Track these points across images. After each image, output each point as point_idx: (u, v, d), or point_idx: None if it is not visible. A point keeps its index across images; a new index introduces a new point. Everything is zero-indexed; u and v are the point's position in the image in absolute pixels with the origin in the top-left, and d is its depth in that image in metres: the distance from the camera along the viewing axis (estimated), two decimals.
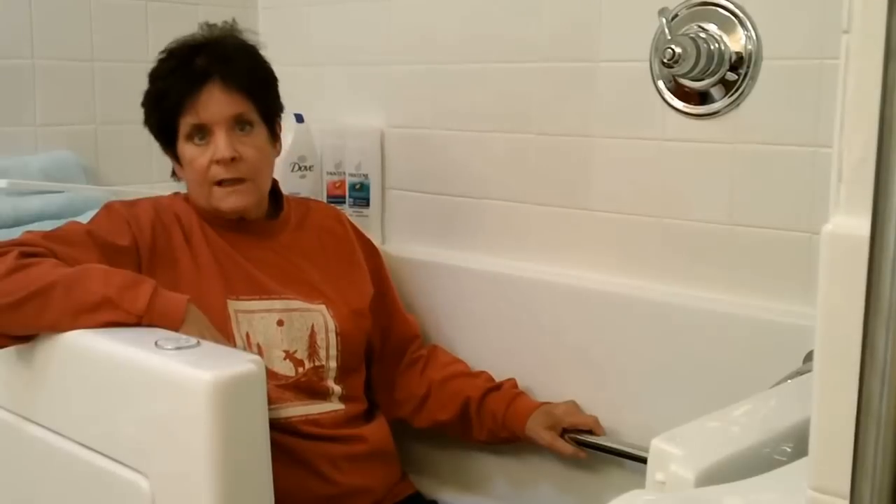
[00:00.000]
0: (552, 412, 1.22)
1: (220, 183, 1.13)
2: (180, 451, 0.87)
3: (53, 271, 0.97)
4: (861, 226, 0.44)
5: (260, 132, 1.16)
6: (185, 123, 1.12)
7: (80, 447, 0.97)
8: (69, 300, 0.96)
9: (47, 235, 1.06)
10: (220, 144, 1.11)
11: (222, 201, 1.14)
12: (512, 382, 1.29)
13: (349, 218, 1.36)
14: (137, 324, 0.96)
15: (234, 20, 1.20)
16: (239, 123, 1.14)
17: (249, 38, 1.20)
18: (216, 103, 1.12)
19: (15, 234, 1.11)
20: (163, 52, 1.17)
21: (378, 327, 1.29)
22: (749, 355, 1.09)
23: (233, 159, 1.12)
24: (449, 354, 1.36)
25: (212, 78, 1.12)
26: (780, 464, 0.65)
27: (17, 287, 0.96)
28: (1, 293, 0.96)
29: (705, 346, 1.13)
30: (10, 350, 1.02)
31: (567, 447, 1.19)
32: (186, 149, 1.14)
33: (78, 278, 0.97)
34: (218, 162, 1.12)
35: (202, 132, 1.13)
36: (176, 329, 0.96)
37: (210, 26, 1.18)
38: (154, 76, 1.16)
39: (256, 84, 1.16)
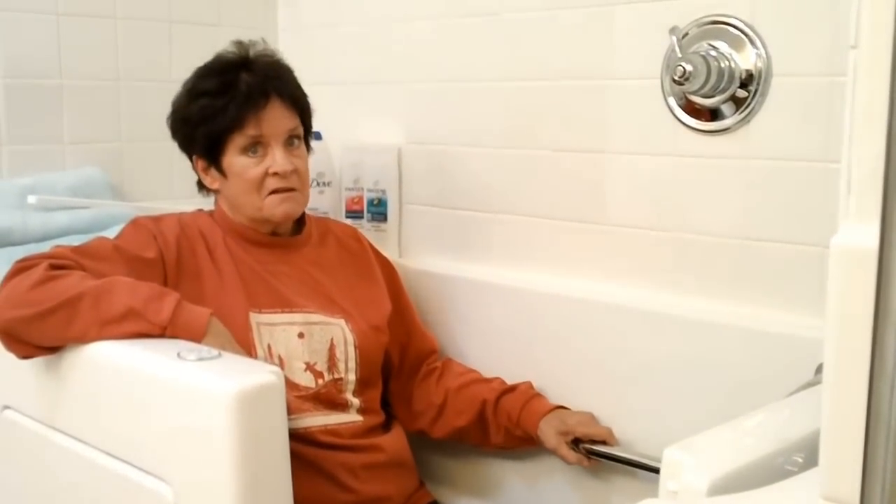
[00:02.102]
0: (566, 419, 1.23)
1: (272, 192, 1.16)
2: (202, 459, 0.89)
3: (81, 283, 1.00)
4: (870, 237, 0.45)
5: (303, 146, 1.22)
6: (244, 136, 1.15)
7: (104, 455, 0.99)
8: (96, 311, 0.98)
9: (76, 249, 1.08)
10: (279, 158, 1.15)
11: (276, 208, 1.17)
12: (528, 384, 1.30)
13: (366, 237, 1.37)
14: (161, 335, 0.98)
15: (263, 39, 1.23)
16: (290, 138, 1.18)
17: (278, 56, 1.23)
18: (278, 118, 1.16)
19: (44, 248, 1.13)
20: (199, 71, 1.18)
21: (396, 342, 1.31)
22: (762, 367, 1.09)
23: (291, 171, 1.16)
24: (463, 365, 1.37)
25: (272, 94, 1.16)
26: (792, 474, 0.65)
27: (45, 297, 0.98)
28: (30, 303, 0.98)
29: (718, 357, 1.14)
30: (38, 361, 1.05)
31: (571, 454, 1.20)
32: (237, 160, 1.16)
33: (105, 290, 0.99)
34: (276, 174, 1.15)
35: (256, 146, 1.16)
36: (198, 341, 0.98)
37: (239, 43, 1.20)
38: (198, 93, 1.17)
39: (303, 101, 1.22)
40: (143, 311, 0.98)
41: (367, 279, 1.30)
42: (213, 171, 1.19)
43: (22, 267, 1.03)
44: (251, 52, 1.19)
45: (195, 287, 1.13)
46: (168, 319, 0.98)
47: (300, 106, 1.20)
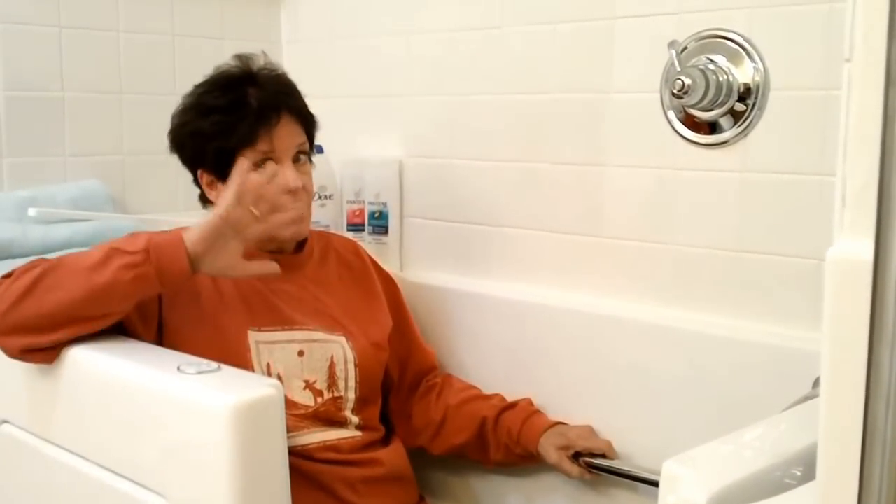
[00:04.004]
0: (566, 434, 1.23)
1: None
2: (200, 473, 0.88)
3: (57, 260, 1.01)
4: (864, 250, 0.45)
5: (308, 162, 1.21)
6: (255, 152, 1.13)
7: (101, 469, 0.98)
8: (77, 265, 0.99)
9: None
10: (290, 175, 1.14)
11: (286, 229, 1.16)
12: (527, 401, 1.30)
13: (367, 251, 1.36)
14: (146, 259, 0.97)
15: (263, 52, 1.22)
16: (298, 154, 1.17)
17: (280, 68, 1.22)
18: (289, 135, 1.15)
19: None
20: (204, 86, 1.17)
21: (396, 358, 1.31)
22: (760, 380, 1.09)
23: (301, 188, 1.15)
24: (463, 381, 1.37)
25: (283, 110, 1.15)
26: (791, 487, 0.65)
27: (26, 280, 0.99)
28: (13, 292, 0.99)
29: (716, 370, 1.14)
30: (34, 373, 1.05)
31: (573, 469, 1.20)
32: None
33: (80, 252, 1.02)
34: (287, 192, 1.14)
35: (266, 162, 1.14)
36: (183, 265, 0.98)
37: (240, 57, 1.19)
38: (209, 109, 1.15)
39: (310, 116, 1.22)
40: (121, 245, 0.99)
41: (368, 295, 1.29)
42: (220, 186, 1.17)
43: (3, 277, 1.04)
44: (254, 67, 1.19)
45: (193, 304, 1.12)
46: (145, 243, 0.98)
47: (307, 122, 1.20)
